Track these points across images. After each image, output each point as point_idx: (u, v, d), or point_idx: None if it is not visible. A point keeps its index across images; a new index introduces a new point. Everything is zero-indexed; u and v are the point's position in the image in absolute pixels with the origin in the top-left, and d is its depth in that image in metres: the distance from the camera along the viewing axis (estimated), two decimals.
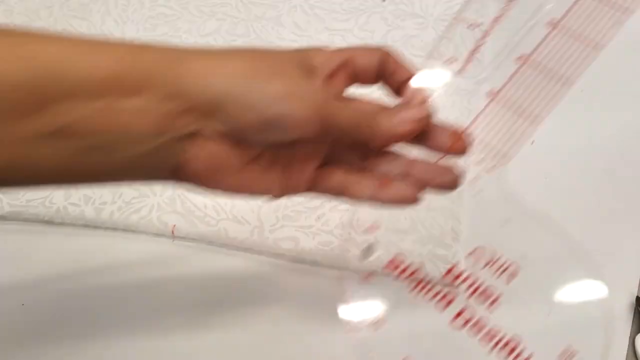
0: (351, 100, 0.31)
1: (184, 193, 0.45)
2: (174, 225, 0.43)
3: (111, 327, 0.40)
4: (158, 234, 0.44)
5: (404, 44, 0.55)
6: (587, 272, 0.42)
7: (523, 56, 0.32)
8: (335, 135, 0.30)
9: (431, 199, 0.44)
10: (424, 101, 0.31)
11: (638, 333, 0.39)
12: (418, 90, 0.31)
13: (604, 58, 0.53)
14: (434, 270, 0.41)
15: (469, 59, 0.32)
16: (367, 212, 0.34)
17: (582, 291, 0.41)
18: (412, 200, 0.31)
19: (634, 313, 0.39)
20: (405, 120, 0.30)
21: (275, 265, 0.42)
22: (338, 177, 0.32)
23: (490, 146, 0.31)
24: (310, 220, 0.43)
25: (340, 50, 0.31)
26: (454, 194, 0.44)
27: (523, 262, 0.33)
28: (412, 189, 0.31)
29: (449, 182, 0.31)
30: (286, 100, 0.27)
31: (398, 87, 0.32)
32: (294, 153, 0.30)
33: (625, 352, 0.38)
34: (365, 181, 0.31)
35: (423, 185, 0.31)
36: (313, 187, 0.32)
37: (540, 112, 0.32)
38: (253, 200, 0.36)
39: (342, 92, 0.31)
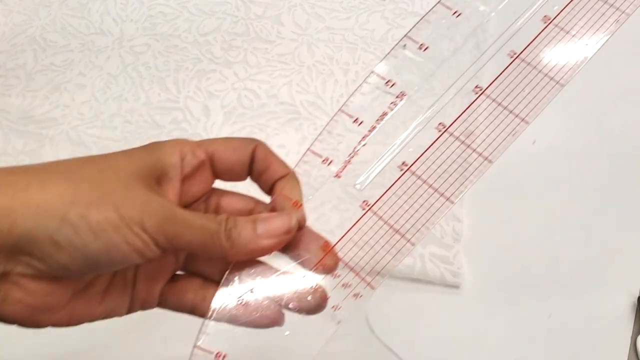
0: (199, 214, 0.26)
1: None
2: None
3: (111, 327, 0.40)
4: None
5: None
6: (590, 273, 0.42)
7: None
8: (186, 252, 0.27)
9: None
10: (295, 206, 0.27)
11: (639, 334, 0.39)
12: (291, 191, 0.27)
13: (605, 58, 0.53)
14: (435, 270, 0.41)
15: (347, 161, 0.29)
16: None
17: (583, 292, 0.41)
18: (273, 321, 0.27)
19: (636, 314, 0.39)
20: (270, 232, 0.26)
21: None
22: (193, 290, 0.27)
23: (359, 267, 0.27)
24: (310, 220, 0.43)
25: (203, 145, 0.27)
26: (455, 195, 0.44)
27: None
28: (272, 309, 0.26)
29: (312, 306, 0.27)
30: (111, 232, 0.23)
31: (270, 185, 0.28)
32: (139, 271, 0.27)
33: (627, 353, 0.38)
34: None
35: (284, 305, 0.27)
36: (165, 301, 0.28)
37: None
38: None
39: (202, 194, 0.28)
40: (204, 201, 0.29)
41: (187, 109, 0.50)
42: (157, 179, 0.26)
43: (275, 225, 0.26)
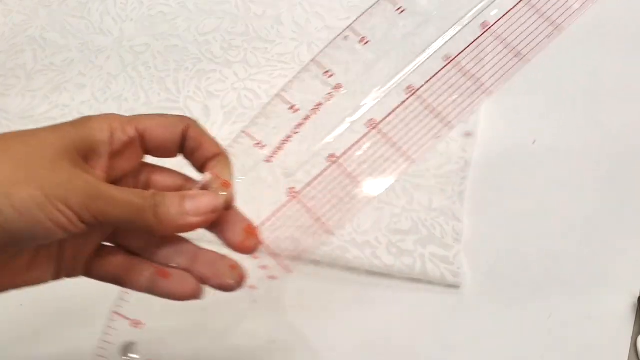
0: (126, 190, 0.26)
1: None
2: None
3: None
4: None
5: (405, 43, 0.55)
6: (590, 273, 0.42)
7: (332, 155, 0.30)
8: (112, 226, 0.28)
9: (432, 199, 0.43)
10: (224, 186, 0.28)
11: None
12: (222, 171, 0.28)
13: (605, 58, 0.53)
14: (435, 270, 0.41)
15: (279, 147, 0.30)
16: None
17: (583, 292, 0.41)
18: (191, 295, 0.28)
19: (636, 314, 0.39)
20: (197, 210, 0.26)
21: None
22: (117, 262, 0.28)
23: (279, 250, 0.28)
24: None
25: (134, 121, 0.28)
26: (455, 195, 0.44)
27: None
28: (192, 283, 0.28)
29: (230, 285, 0.28)
30: (35, 210, 0.23)
31: (202, 163, 0.28)
32: (65, 243, 0.27)
33: (627, 353, 0.38)
34: (144, 269, 0.28)
35: (203, 281, 0.28)
36: (90, 271, 0.28)
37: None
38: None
39: (131, 169, 0.28)
40: (134, 176, 0.29)
41: (187, 108, 0.50)
42: (84, 154, 0.26)
43: (203, 203, 0.26)
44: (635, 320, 0.39)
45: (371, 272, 0.41)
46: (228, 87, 0.52)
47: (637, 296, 0.40)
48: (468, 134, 0.47)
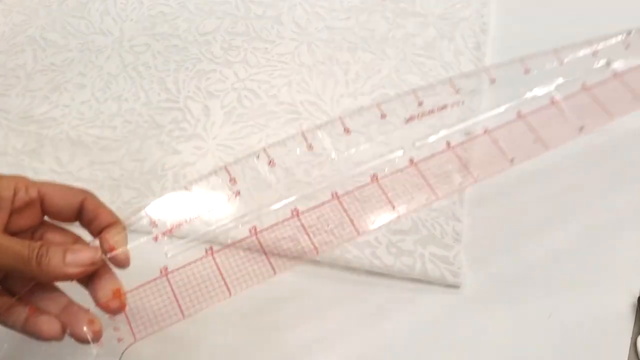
0: (16, 240, 0.30)
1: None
2: None
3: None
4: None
5: (405, 43, 0.55)
6: (590, 273, 0.42)
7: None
8: (1, 272, 0.31)
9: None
10: (109, 250, 0.31)
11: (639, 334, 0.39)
12: (114, 237, 0.32)
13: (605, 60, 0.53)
14: (435, 270, 0.41)
15: (167, 231, 0.34)
16: None
17: (583, 292, 0.41)
18: (54, 337, 0.30)
19: (636, 314, 0.39)
20: (76, 262, 0.30)
21: (274, 264, 0.42)
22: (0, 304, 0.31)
23: (135, 318, 0.32)
24: (311, 219, 0.43)
25: (37, 184, 0.32)
26: (455, 195, 0.44)
27: None
28: (56, 327, 0.30)
29: (83, 337, 0.31)
30: None
31: (98, 232, 0.32)
32: None
33: (626, 353, 0.38)
34: (21, 310, 0.31)
35: (64, 327, 0.31)
36: None
37: None
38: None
39: (30, 226, 0.32)
40: (32, 232, 0.33)
41: (187, 108, 0.50)
42: None
43: (83, 256, 0.30)
44: (635, 320, 0.39)
45: (371, 272, 0.41)
46: (228, 87, 0.52)
47: (637, 296, 0.40)
48: (468, 134, 0.47)
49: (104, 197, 0.45)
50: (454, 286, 0.41)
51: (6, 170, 0.46)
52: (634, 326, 0.39)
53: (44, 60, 0.54)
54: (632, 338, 0.38)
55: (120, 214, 0.44)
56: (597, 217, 0.44)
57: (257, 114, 0.50)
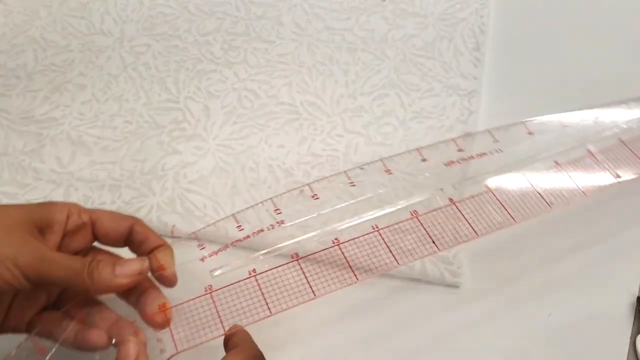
0: (68, 256, 0.31)
1: (184, 193, 0.45)
2: (174, 226, 0.43)
3: None
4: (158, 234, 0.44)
5: (405, 44, 0.55)
6: (590, 273, 0.42)
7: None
8: (55, 286, 0.33)
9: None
10: (160, 269, 0.33)
11: (639, 334, 0.39)
12: (163, 258, 0.33)
13: (605, 61, 0.53)
14: (434, 270, 0.41)
15: (214, 253, 0.36)
16: None
17: (583, 292, 0.41)
18: (102, 346, 0.32)
19: (635, 314, 0.39)
20: (125, 273, 0.31)
21: (275, 264, 0.42)
22: (52, 321, 0.32)
23: (178, 332, 0.33)
24: (311, 219, 0.43)
25: (89, 210, 0.33)
26: (457, 194, 0.44)
27: None
28: (103, 337, 0.32)
29: (131, 349, 0.31)
30: None
31: (146, 254, 0.33)
32: (13, 303, 0.32)
33: (626, 353, 0.38)
34: (68, 322, 0.32)
35: (111, 337, 0.32)
36: (30, 329, 0.32)
37: None
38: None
39: (82, 249, 0.33)
40: (83, 255, 0.34)
41: (187, 109, 0.50)
42: (40, 229, 0.31)
43: (131, 267, 0.32)
44: (634, 320, 0.39)
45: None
46: (228, 87, 0.52)
47: (637, 296, 0.40)
48: (468, 134, 0.47)
49: (105, 197, 0.45)
50: (454, 286, 0.41)
51: (6, 170, 0.47)
52: (633, 326, 0.39)
53: (45, 60, 0.54)
54: (631, 337, 0.39)
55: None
56: (597, 216, 0.44)
57: (257, 114, 0.50)
